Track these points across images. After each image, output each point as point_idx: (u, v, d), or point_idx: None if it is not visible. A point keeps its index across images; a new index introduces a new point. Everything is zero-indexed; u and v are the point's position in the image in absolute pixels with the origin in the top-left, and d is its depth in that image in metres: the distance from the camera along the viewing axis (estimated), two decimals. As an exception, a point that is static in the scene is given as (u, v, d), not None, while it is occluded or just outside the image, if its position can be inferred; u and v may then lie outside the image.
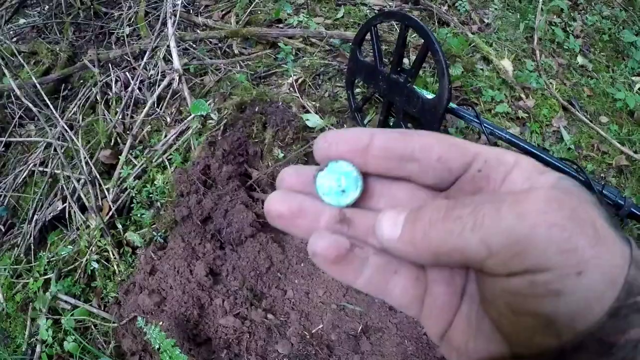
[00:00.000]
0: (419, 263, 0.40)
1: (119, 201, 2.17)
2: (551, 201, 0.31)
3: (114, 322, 1.98)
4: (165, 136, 2.27)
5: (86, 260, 2.10)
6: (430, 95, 2.12)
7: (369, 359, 1.79)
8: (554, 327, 0.31)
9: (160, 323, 1.80)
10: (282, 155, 2.12)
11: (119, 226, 2.11)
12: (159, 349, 1.75)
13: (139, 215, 2.11)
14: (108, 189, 2.18)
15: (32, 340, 2.16)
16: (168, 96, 2.43)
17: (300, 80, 2.39)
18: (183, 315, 1.79)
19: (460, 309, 0.40)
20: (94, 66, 2.57)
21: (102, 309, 2.06)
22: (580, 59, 3.11)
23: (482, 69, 2.78)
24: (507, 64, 2.84)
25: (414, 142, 0.39)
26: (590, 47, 3.25)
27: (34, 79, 2.49)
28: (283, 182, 0.43)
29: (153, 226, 2.07)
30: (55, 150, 2.38)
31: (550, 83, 2.87)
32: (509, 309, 0.33)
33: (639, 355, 0.31)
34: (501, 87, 2.73)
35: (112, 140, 2.36)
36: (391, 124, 2.29)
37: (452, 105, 2.14)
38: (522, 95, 2.76)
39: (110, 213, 2.12)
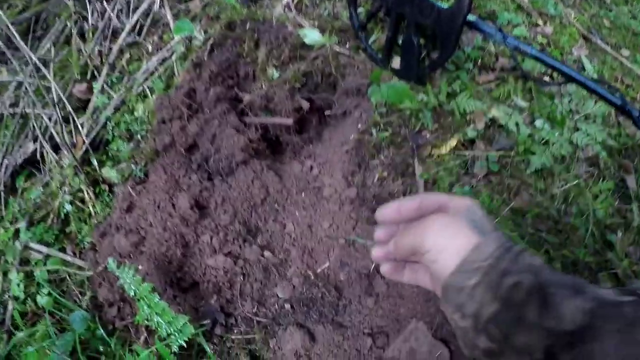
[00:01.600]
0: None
1: (94, 134, 1.75)
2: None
3: (89, 270, 1.58)
4: (146, 63, 1.84)
5: (59, 203, 1.68)
6: (446, 5, 1.68)
7: (385, 302, 1.38)
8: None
9: (139, 267, 1.38)
10: (277, 75, 1.70)
11: (95, 162, 1.70)
12: (134, 296, 1.34)
13: (116, 148, 1.68)
14: (82, 124, 1.76)
15: (4, 298, 1.76)
16: (148, 23, 1.99)
17: (295, 1, 1.95)
18: (164, 256, 1.38)
19: None
20: (68, -1, 2.13)
21: (78, 256, 1.65)
22: (598, -11, 2.66)
23: (495, -8, 2.34)
24: (522, -12, 2.40)
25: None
26: (607, -22, 2.80)
27: (4, 18, 2.05)
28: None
29: (132, 160, 1.64)
30: (26, 89, 1.95)
31: (569, 12, 2.43)
32: None
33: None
34: (517, 11, 2.29)
35: (88, 74, 1.93)
36: (400, 42, 1.84)
37: (471, 17, 1.70)
38: (540, 22, 2.32)
39: (84, 148, 1.71)
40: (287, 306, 1.37)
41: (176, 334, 1.32)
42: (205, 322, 1.36)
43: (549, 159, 1.79)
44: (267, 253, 1.39)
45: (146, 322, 1.35)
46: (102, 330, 1.51)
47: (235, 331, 1.39)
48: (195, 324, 1.34)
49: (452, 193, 0.90)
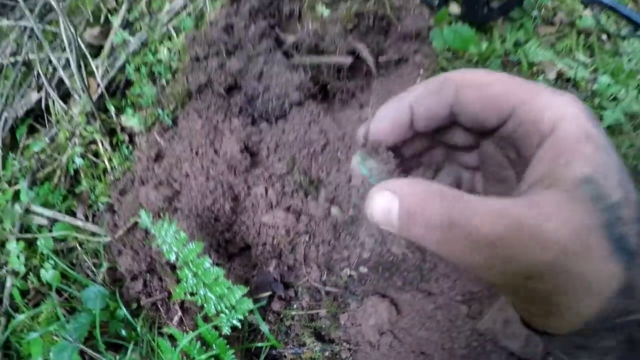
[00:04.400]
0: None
1: (111, 77, 1.37)
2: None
3: (105, 236, 1.20)
4: (171, 2, 1.47)
5: (67, 157, 1.30)
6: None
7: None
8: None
9: (176, 223, 1.01)
10: (328, 12, 1.34)
11: (111, 109, 1.31)
12: (173, 262, 0.97)
13: (137, 93, 1.31)
14: (97, 66, 1.38)
15: (1, 272, 1.37)
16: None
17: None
18: (209, 211, 1.01)
19: None
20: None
21: (91, 220, 1.28)
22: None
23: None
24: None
25: (450, 98, 0.36)
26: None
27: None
28: None
29: (158, 104, 1.27)
30: (31, 32, 1.57)
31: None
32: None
33: None
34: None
35: (102, 18, 1.55)
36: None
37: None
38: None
39: (99, 92, 1.32)
40: (364, 271, 1.01)
41: (228, 312, 0.95)
42: (261, 295, 1.00)
43: (621, 115, 1.54)
44: (334, 209, 1.04)
45: (188, 297, 0.98)
46: (124, 310, 1.14)
47: (295, 306, 1.03)
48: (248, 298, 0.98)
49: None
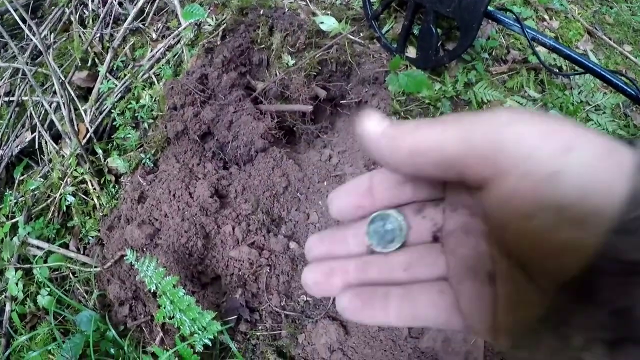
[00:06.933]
0: (398, 169, 0.34)
1: (98, 122, 1.64)
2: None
3: (96, 267, 1.46)
4: (152, 51, 1.74)
5: (60, 194, 1.57)
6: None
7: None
8: (570, 215, 0.26)
9: (156, 260, 1.28)
10: (293, 62, 1.62)
11: (99, 152, 1.58)
12: (154, 291, 1.24)
13: (122, 136, 1.58)
14: (85, 111, 1.65)
15: (1, 298, 1.63)
16: (152, 12, 1.89)
17: (306, -10, 1.88)
18: (184, 248, 1.28)
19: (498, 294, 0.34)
20: (66, -15, 2.01)
21: (82, 252, 1.54)
22: (598, -13, 2.69)
23: (502, -13, 2.33)
24: (527, -16, 2.40)
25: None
26: (606, -23, 2.83)
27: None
28: (311, 251, 0.42)
29: (140, 149, 1.54)
30: (24, 74, 1.84)
31: (572, 8, 2.45)
32: (521, 212, 0.28)
33: None
34: (524, 5, 2.28)
35: (89, 62, 1.82)
36: (415, 31, 1.80)
37: (489, 8, 1.67)
38: (546, 17, 2.32)
39: (88, 136, 1.59)
40: (317, 298, 1.28)
41: (200, 332, 1.22)
42: (229, 318, 1.27)
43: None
44: (292, 244, 1.31)
45: (168, 320, 1.25)
46: (113, 331, 1.41)
47: (260, 327, 1.30)
48: (218, 320, 1.25)
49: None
